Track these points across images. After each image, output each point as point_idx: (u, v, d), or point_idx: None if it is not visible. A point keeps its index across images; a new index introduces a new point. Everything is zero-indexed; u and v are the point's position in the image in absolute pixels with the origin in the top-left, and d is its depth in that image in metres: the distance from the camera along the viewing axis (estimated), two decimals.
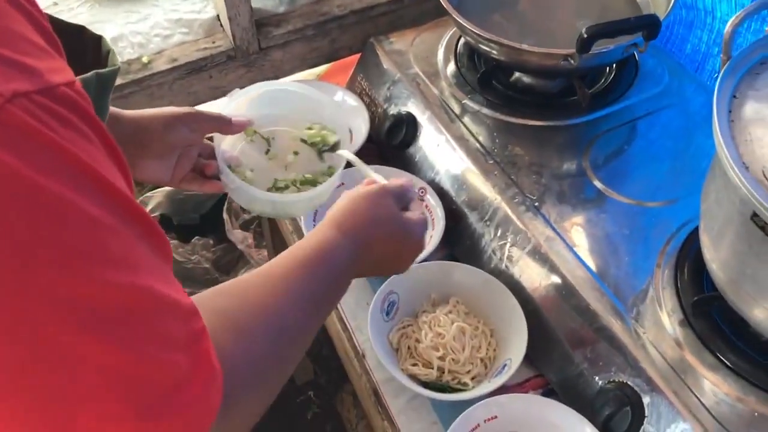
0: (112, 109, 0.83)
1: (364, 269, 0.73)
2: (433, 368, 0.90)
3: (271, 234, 1.55)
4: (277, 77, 1.27)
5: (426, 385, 0.90)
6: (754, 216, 0.70)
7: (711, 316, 0.86)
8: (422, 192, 1.07)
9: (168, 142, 0.86)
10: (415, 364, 0.91)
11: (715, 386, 0.81)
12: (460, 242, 1.05)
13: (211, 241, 1.68)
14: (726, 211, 0.76)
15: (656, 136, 1.09)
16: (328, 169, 0.93)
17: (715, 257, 0.82)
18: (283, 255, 0.66)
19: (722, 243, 0.79)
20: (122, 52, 1.19)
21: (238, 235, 1.58)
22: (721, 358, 0.83)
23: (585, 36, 0.94)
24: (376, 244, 0.73)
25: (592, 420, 0.83)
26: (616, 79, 1.16)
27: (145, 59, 1.18)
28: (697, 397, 0.80)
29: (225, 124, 0.89)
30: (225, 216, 1.60)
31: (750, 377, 0.81)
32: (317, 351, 1.81)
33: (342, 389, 1.45)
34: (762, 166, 0.69)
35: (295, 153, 0.94)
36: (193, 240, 1.65)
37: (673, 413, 0.79)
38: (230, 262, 1.69)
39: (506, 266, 0.98)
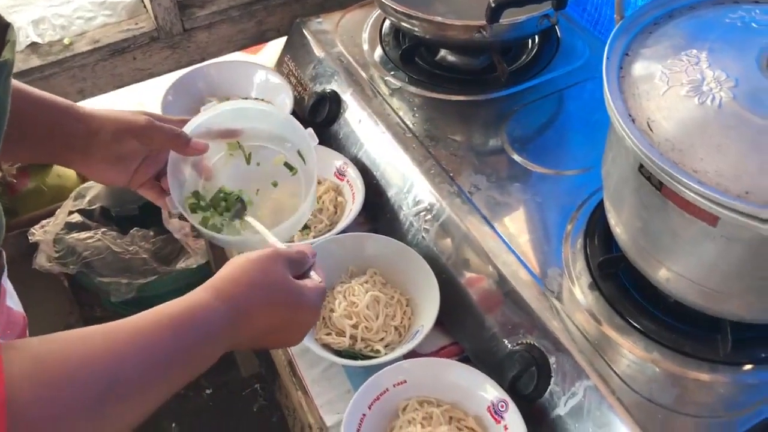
0: (67, 102, 0.81)
1: (245, 340, 0.65)
2: (345, 336, 0.90)
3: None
4: (203, 59, 1.27)
5: (339, 353, 0.90)
6: (641, 168, 0.71)
7: (618, 278, 0.87)
8: (343, 167, 1.07)
9: (115, 152, 0.82)
10: (328, 333, 0.91)
11: (620, 345, 0.82)
12: (381, 216, 1.05)
13: (151, 233, 1.66)
14: (620, 168, 0.77)
15: (575, 109, 1.11)
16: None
17: (616, 218, 0.83)
18: (149, 311, 0.60)
19: (620, 202, 0.80)
20: (44, 35, 1.18)
21: (175, 224, 1.57)
22: (627, 318, 0.84)
23: (493, 5, 0.95)
24: (260, 314, 0.65)
25: (501, 382, 0.84)
26: (537, 54, 1.17)
27: (66, 41, 1.17)
28: (602, 356, 0.80)
29: (181, 145, 0.83)
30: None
31: (654, 335, 0.82)
32: None
33: (280, 376, 1.44)
34: (647, 117, 0.70)
35: (274, 184, 0.91)
36: (131, 231, 1.63)
37: (578, 371, 0.80)
38: (171, 254, 1.67)
39: (423, 237, 0.98)
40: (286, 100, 1.16)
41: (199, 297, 0.62)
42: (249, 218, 0.85)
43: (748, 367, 0.80)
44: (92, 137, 0.81)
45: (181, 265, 1.59)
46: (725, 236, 0.67)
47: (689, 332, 0.82)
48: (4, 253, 0.73)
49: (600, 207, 0.93)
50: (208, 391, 1.84)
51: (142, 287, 1.57)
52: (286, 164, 0.90)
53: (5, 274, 0.75)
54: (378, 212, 1.06)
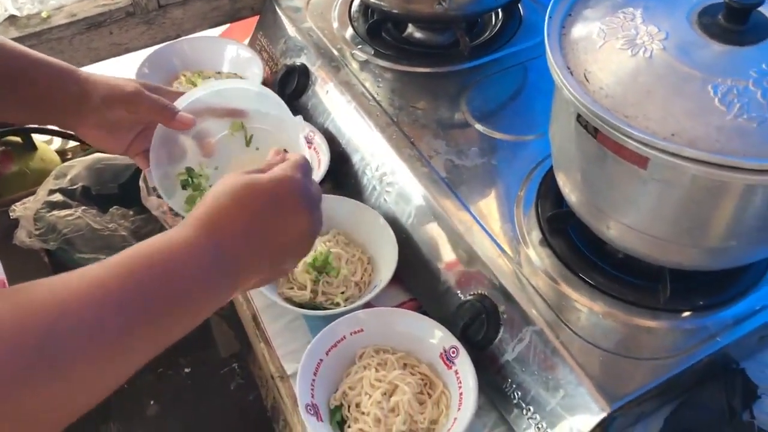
0: (68, 65, 0.82)
1: (250, 264, 0.61)
2: (306, 290, 0.94)
3: None
4: (178, 35, 1.31)
5: (301, 306, 0.93)
6: (579, 117, 0.75)
7: (567, 234, 0.91)
8: (310, 135, 1.11)
9: (106, 118, 0.82)
10: (291, 288, 0.95)
11: (566, 295, 0.85)
12: (347, 182, 1.09)
13: (131, 212, 1.70)
14: (562, 123, 0.81)
15: (535, 80, 1.15)
16: None
17: (561, 174, 0.87)
18: (122, 252, 0.54)
19: (564, 157, 0.84)
20: (22, 8, 1.21)
21: (153, 202, 1.59)
22: (574, 270, 0.87)
23: None
24: (232, 217, 0.60)
25: (454, 331, 0.87)
26: (500, 30, 1.21)
27: (44, 14, 1.21)
28: (548, 305, 0.84)
29: (167, 117, 0.82)
30: (141, 184, 1.61)
31: (599, 286, 0.86)
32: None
33: (251, 352, 1.47)
34: (584, 69, 0.74)
35: None
36: (111, 209, 1.66)
37: (525, 318, 0.84)
38: (151, 233, 1.70)
39: (384, 199, 1.02)
40: (255, 70, 1.20)
41: (164, 239, 0.56)
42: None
43: (686, 314, 0.83)
44: (84, 101, 0.81)
45: None
46: (656, 179, 0.70)
47: (633, 283, 0.86)
48: None
49: (552, 167, 0.97)
50: (186, 370, 1.87)
51: None
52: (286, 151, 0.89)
53: None
54: (343, 178, 1.09)
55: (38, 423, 0.46)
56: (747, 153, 0.65)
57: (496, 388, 0.85)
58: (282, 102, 0.87)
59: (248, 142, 0.90)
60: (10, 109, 0.82)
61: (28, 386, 0.44)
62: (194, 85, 1.19)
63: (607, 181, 0.77)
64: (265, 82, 1.21)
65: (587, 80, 0.73)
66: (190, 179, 0.89)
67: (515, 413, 0.83)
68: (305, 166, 0.69)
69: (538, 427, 0.80)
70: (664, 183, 0.71)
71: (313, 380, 0.83)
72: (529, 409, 0.82)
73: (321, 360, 0.85)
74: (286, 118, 0.87)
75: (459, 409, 0.82)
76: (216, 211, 0.60)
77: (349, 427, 0.82)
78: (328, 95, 1.15)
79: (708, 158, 0.65)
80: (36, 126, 1.73)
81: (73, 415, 0.48)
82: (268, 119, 0.89)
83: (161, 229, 1.70)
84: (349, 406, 0.83)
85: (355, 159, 1.08)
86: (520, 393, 0.83)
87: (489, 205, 0.95)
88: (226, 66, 1.25)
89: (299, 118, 0.87)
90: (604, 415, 0.75)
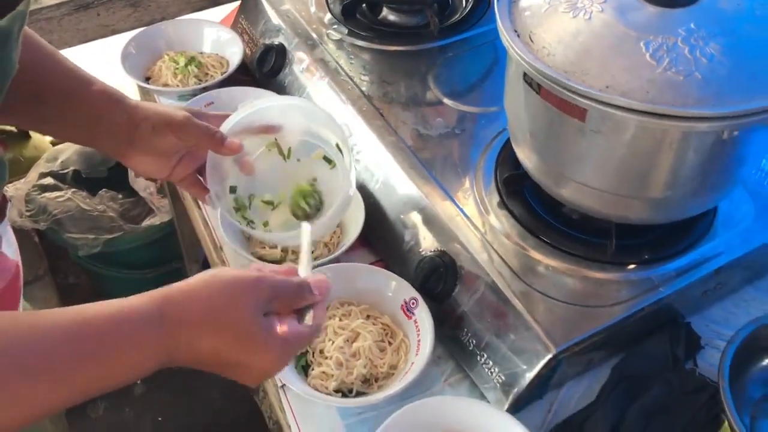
0: (118, 92, 0.84)
1: (186, 361, 0.61)
2: (277, 249, 0.99)
3: (170, 190, 1.62)
4: (163, 18, 1.36)
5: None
6: (525, 76, 0.80)
7: (523, 196, 0.96)
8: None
9: (154, 145, 0.84)
10: (263, 247, 1.00)
11: (520, 250, 0.90)
12: None
13: (120, 195, 1.75)
14: (513, 85, 0.86)
15: (501, 58, 1.20)
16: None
17: (515, 136, 0.92)
18: (89, 305, 0.57)
19: (516, 118, 0.89)
20: None
21: (140, 184, 1.66)
22: (529, 228, 0.92)
23: None
24: (204, 340, 0.60)
25: (415, 285, 0.92)
26: (470, 12, 1.27)
27: None
28: (503, 259, 0.89)
29: (216, 144, 0.83)
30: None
31: (551, 242, 0.91)
32: None
33: None
34: (529, 32, 0.80)
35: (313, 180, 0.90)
36: (100, 192, 1.72)
37: (481, 271, 0.88)
38: (139, 215, 1.76)
39: (354, 167, 1.07)
40: (235, 49, 1.25)
41: (141, 302, 0.58)
42: (304, 225, 0.81)
43: (632, 266, 0.89)
44: (134, 129, 0.83)
45: (147, 223, 1.68)
46: (595, 130, 0.76)
47: (583, 239, 0.91)
48: (7, 200, 0.77)
49: None
50: None
51: (108, 242, 1.65)
52: (325, 158, 0.90)
53: (6, 220, 0.79)
54: None
55: None
56: (675, 103, 0.70)
57: (454, 338, 0.90)
58: (328, 114, 0.87)
59: (288, 156, 0.90)
60: (61, 127, 0.85)
61: None
62: (176, 63, 1.24)
63: (553, 137, 0.83)
64: (244, 62, 1.27)
65: (532, 41, 0.79)
66: (236, 198, 0.89)
67: (471, 360, 0.88)
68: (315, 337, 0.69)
69: (491, 371, 0.85)
70: (602, 134, 0.76)
71: None
72: (483, 355, 0.86)
73: None
74: (330, 127, 0.87)
75: (417, 354, 0.87)
76: (190, 303, 0.60)
77: (312, 370, 0.87)
78: (304, 72, 1.20)
79: (639, 107, 0.70)
80: None
81: (22, 421, 0.53)
82: (312, 131, 0.89)
83: (149, 211, 1.76)
84: (313, 353, 0.88)
85: None
86: (475, 341, 0.87)
87: (451, 171, 1.00)
88: (207, 46, 1.30)
89: (344, 127, 0.87)
90: (550, 356, 0.80)
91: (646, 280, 0.87)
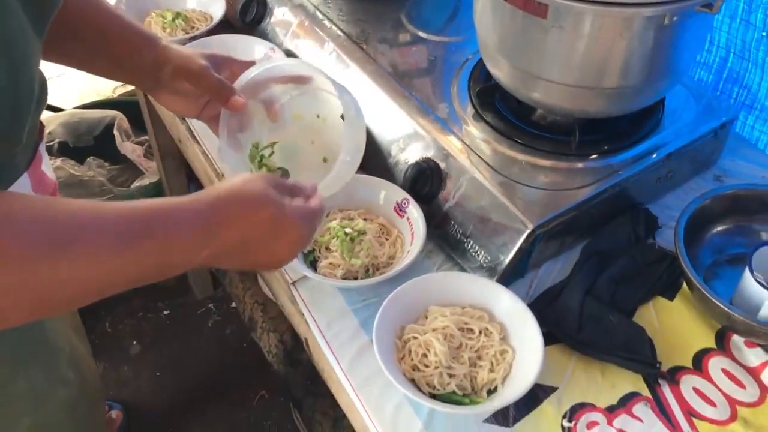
0: (151, 33, 0.91)
1: (224, 249, 0.67)
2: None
3: (159, 148, 1.70)
4: None
5: None
6: None
7: (495, 106, 1.08)
8: (270, 52, 1.26)
9: (176, 88, 0.91)
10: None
11: (495, 150, 1.01)
12: None
13: (107, 163, 1.82)
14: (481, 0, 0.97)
15: None
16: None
17: (485, 48, 1.03)
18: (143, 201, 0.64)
19: (484, 29, 1.00)
20: None
21: (127, 147, 1.73)
22: (502, 133, 1.04)
23: None
24: (236, 222, 0.67)
25: (405, 189, 1.03)
26: None
27: None
28: (480, 157, 1.00)
29: (222, 98, 0.90)
30: (115, 132, 1.75)
31: (522, 141, 1.02)
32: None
33: (227, 273, 1.62)
34: None
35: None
36: (88, 159, 1.79)
37: (462, 169, 0.99)
38: (127, 181, 1.83)
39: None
40: (217, 5, 1.35)
41: (180, 199, 0.66)
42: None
43: (593, 156, 1.01)
44: (158, 69, 0.89)
45: (137, 184, 1.75)
46: (555, 26, 0.87)
47: (550, 138, 1.03)
48: (43, 124, 0.84)
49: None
50: (165, 312, 2.00)
51: None
52: (343, 117, 0.95)
53: (43, 142, 0.85)
54: None
55: (53, 299, 0.58)
56: None
57: (442, 233, 1.01)
58: (337, 83, 0.92)
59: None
60: (102, 65, 0.92)
61: (44, 263, 0.55)
62: (163, 18, 1.33)
63: (519, 39, 0.94)
64: (227, 16, 1.36)
65: None
66: (257, 155, 0.98)
67: (459, 248, 0.99)
68: (319, 216, 0.78)
69: (477, 254, 0.96)
70: (563, 30, 0.88)
71: None
72: (470, 242, 0.97)
73: None
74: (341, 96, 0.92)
75: (411, 244, 0.98)
76: (230, 203, 0.67)
77: (320, 262, 0.97)
78: (284, 18, 1.30)
79: None
80: None
81: (78, 299, 0.61)
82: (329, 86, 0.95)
83: (136, 177, 1.84)
84: (319, 249, 0.99)
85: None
86: (461, 230, 0.98)
87: (429, 90, 1.12)
88: (192, 3, 1.39)
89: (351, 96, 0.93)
90: (528, 231, 0.92)
91: (606, 167, 1.00)
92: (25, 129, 0.70)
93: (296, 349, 1.46)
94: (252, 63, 0.93)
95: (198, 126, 1.21)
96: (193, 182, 1.72)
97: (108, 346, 1.90)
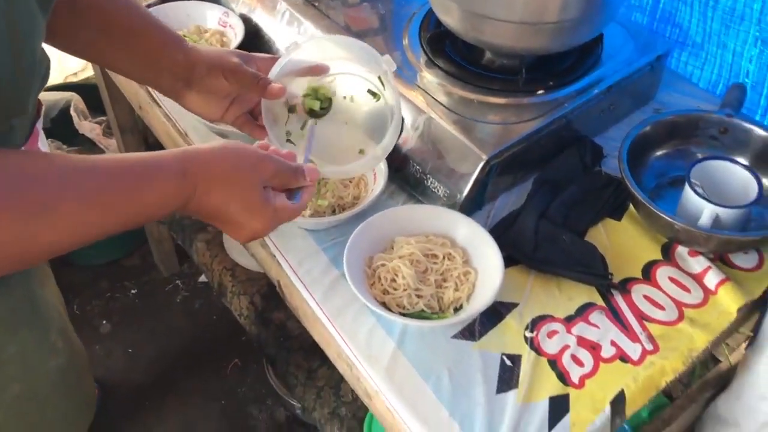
0: (176, 34, 0.90)
1: (194, 209, 0.72)
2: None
3: (118, 124, 1.71)
4: None
5: None
6: None
7: (446, 53, 1.13)
8: (224, 18, 1.28)
9: (208, 86, 0.91)
10: None
11: (449, 92, 1.07)
12: (261, 51, 1.28)
13: (65, 146, 1.83)
14: None
15: None
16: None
17: None
18: (113, 156, 0.68)
19: None
20: None
21: (86, 126, 1.74)
22: (454, 76, 1.09)
23: None
24: (213, 196, 0.71)
25: None
26: None
27: None
28: (435, 99, 1.05)
29: (260, 89, 0.90)
30: (72, 113, 1.75)
31: (473, 82, 1.08)
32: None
33: (196, 238, 1.64)
34: None
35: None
36: (46, 141, 1.79)
37: (419, 111, 1.04)
38: None
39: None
40: None
41: (168, 158, 0.70)
42: (310, 122, 0.95)
43: (540, 92, 1.07)
44: (191, 69, 0.89)
45: None
46: None
47: (499, 78, 1.09)
48: (41, 102, 0.84)
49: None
50: (133, 291, 2.01)
51: None
52: (370, 91, 0.97)
53: (41, 119, 0.86)
54: (257, 49, 1.28)
55: (48, 247, 0.63)
56: None
57: (404, 173, 1.06)
58: (367, 46, 0.93)
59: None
60: (127, 63, 0.92)
61: (30, 219, 0.59)
62: None
63: None
64: None
65: None
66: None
67: (419, 185, 1.04)
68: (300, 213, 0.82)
69: (436, 189, 1.02)
70: None
71: None
72: (429, 178, 1.03)
73: None
74: (374, 60, 0.93)
75: (374, 184, 1.03)
76: (208, 163, 0.71)
77: None
78: None
79: None
80: None
81: (73, 242, 0.64)
82: (352, 67, 0.97)
83: (93, 150, 1.84)
84: None
85: (267, 30, 1.27)
86: (420, 168, 1.03)
87: (381, 40, 1.17)
88: None
89: (386, 57, 0.92)
90: (483, 162, 0.97)
91: (552, 101, 1.06)
92: (29, 102, 0.71)
93: (267, 309, 1.49)
94: (275, 59, 0.94)
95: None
96: None
97: (77, 327, 1.88)
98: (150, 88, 1.24)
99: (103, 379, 1.81)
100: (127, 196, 0.67)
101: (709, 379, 1.07)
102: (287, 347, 1.43)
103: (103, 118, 1.80)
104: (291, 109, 1.00)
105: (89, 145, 1.81)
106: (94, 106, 1.85)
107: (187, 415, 1.76)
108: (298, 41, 0.96)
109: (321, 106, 0.98)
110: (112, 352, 1.88)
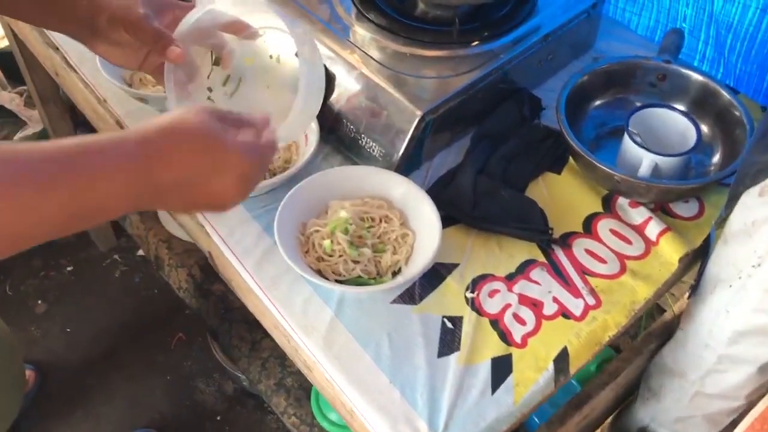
0: None
1: (166, 185, 0.61)
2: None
3: (39, 94, 1.62)
4: None
5: None
6: None
7: (377, 6, 1.08)
8: None
9: (114, 38, 0.83)
10: None
11: (383, 47, 1.02)
12: None
13: None
14: None
15: None
16: None
17: None
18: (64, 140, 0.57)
19: None
20: None
21: (5, 97, 1.64)
22: (387, 29, 1.04)
23: None
24: (178, 155, 0.61)
25: None
26: None
27: None
28: (369, 55, 1.00)
29: (160, 48, 0.82)
30: None
31: (405, 34, 1.03)
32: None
33: (126, 215, 1.58)
34: None
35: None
36: None
37: (351, 68, 0.99)
38: (9, 133, 1.74)
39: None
40: None
41: (106, 136, 0.59)
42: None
43: (475, 43, 1.03)
44: (93, 18, 0.81)
45: (20, 135, 1.67)
46: None
47: (433, 29, 1.04)
48: None
49: None
50: (69, 268, 1.93)
51: None
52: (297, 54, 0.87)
53: None
54: None
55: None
56: None
57: (337, 134, 1.01)
58: (287, 18, 0.84)
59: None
60: (31, 11, 0.83)
61: None
62: None
63: None
64: None
65: None
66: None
67: (354, 146, 1.00)
68: (270, 152, 0.72)
69: (372, 149, 0.97)
70: None
71: None
72: (363, 137, 0.98)
73: None
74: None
75: (306, 146, 0.98)
76: (164, 137, 0.60)
77: None
78: None
79: None
80: None
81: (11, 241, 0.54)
82: (278, 23, 0.89)
83: (19, 127, 1.75)
84: None
85: None
86: (354, 127, 0.99)
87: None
88: None
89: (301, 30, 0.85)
90: (418, 118, 0.93)
91: (488, 52, 1.02)
92: None
93: (206, 281, 1.44)
94: (157, 33, 0.83)
95: (74, 54, 1.15)
96: (80, 127, 1.65)
97: (11, 308, 1.83)
98: (65, 55, 1.16)
99: (41, 361, 1.74)
100: (82, 179, 0.56)
101: (654, 330, 1.06)
102: (229, 319, 1.38)
103: (24, 87, 1.70)
104: (216, 62, 0.93)
105: (10, 117, 1.71)
106: (15, 76, 1.75)
107: (132, 393, 1.71)
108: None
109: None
110: (48, 332, 1.81)
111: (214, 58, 0.93)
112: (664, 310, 1.16)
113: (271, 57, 0.93)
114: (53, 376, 1.73)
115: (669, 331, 1.05)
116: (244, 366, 1.35)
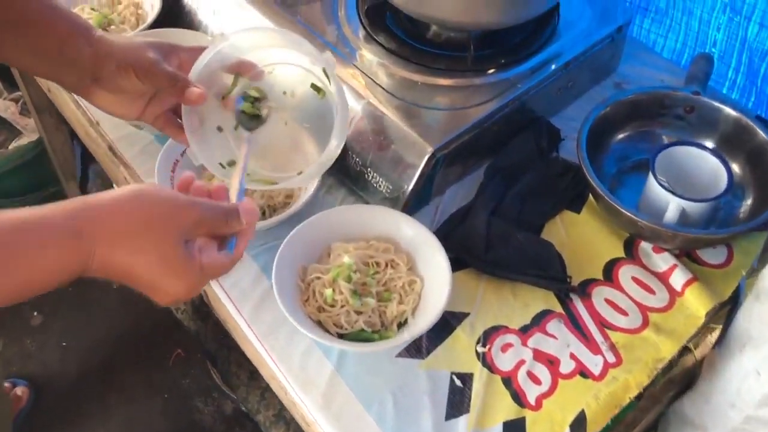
0: (85, 23, 0.76)
1: (99, 269, 0.58)
2: None
3: (34, 104, 1.56)
4: None
5: None
6: None
7: (386, 26, 1.02)
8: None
9: (119, 85, 0.77)
10: None
11: (392, 73, 0.96)
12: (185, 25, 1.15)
13: None
14: None
15: None
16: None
17: None
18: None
19: None
20: None
21: (0, 105, 1.59)
22: (396, 53, 0.98)
23: None
24: (119, 254, 0.58)
25: None
26: None
27: None
28: (375, 81, 0.94)
29: (178, 91, 0.76)
30: None
31: (416, 60, 0.97)
32: None
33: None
34: None
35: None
36: None
37: (358, 96, 0.93)
38: (5, 141, 1.69)
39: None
40: None
41: (58, 213, 0.57)
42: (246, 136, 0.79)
43: (491, 71, 0.96)
44: (99, 65, 0.76)
45: (14, 144, 1.62)
46: None
47: (446, 55, 0.98)
48: None
49: None
50: None
51: None
52: (314, 86, 0.82)
53: None
54: (174, 16, 1.14)
55: None
56: None
57: (342, 166, 0.95)
58: (304, 39, 0.78)
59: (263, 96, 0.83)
60: (24, 57, 0.77)
61: None
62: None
63: None
64: None
65: None
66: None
67: (359, 180, 0.94)
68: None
69: (378, 185, 0.91)
70: None
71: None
72: (369, 172, 0.92)
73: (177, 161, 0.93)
74: (313, 53, 0.78)
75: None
76: (109, 217, 0.58)
77: None
78: None
79: None
80: None
81: None
82: (292, 57, 0.82)
83: (14, 136, 1.69)
84: None
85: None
86: (360, 161, 0.93)
87: (316, 17, 1.04)
88: None
89: (327, 55, 0.78)
90: (428, 154, 0.87)
91: (504, 81, 0.95)
92: None
93: (205, 303, 1.38)
94: (202, 49, 0.78)
95: None
96: (78, 139, 1.59)
97: (5, 319, 1.78)
98: None
99: (36, 376, 1.69)
100: (6, 267, 0.54)
101: (674, 377, 1.00)
102: (228, 344, 1.33)
103: (20, 93, 1.65)
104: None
105: (5, 125, 1.65)
106: (11, 80, 1.69)
107: (128, 411, 1.66)
108: (225, 33, 0.77)
109: (253, 109, 0.84)
110: (44, 345, 1.76)
111: (221, 97, 0.85)
112: (682, 353, 1.10)
113: (284, 93, 0.85)
114: (48, 392, 1.68)
115: (690, 378, 0.99)
116: (242, 395, 1.30)
